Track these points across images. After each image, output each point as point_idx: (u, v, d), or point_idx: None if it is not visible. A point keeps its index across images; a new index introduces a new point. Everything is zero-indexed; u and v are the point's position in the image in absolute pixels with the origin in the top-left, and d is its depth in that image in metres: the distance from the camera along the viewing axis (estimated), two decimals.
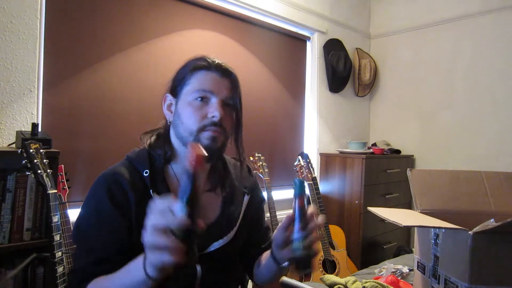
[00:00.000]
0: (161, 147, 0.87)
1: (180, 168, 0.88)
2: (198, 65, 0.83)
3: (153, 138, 0.90)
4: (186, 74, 0.84)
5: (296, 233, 0.71)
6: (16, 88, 1.53)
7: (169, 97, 0.88)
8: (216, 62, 0.84)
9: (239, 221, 0.93)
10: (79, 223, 0.80)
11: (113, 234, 0.77)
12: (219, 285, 0.90)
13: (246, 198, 0.97)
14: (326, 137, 3.02)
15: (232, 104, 0.86)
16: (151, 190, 0.81)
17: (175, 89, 0.86)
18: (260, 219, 1.06)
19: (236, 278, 1.00)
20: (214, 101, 0.82)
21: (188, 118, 0.81)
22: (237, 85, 0.87)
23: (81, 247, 0.79)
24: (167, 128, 0.90)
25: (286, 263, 0.82)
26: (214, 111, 0.80)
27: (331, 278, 1.23)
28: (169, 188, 0.84)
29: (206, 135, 0.81)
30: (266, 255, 0.92)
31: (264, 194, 2.14)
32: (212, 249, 0.86)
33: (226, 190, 0.93)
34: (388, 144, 3.18)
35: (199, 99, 0.81)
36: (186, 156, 0.52)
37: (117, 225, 0.77)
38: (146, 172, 0.81)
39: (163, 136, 0.90)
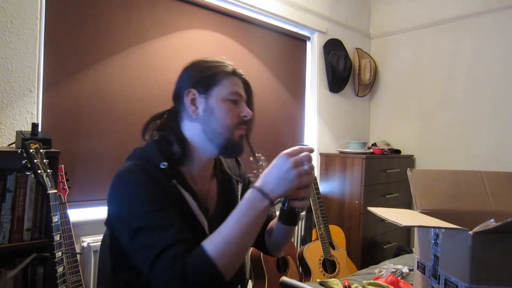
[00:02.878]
0: (173, 142, 0.91)
1: (194, 165, 0.93)
2: (228, 71, 0.93)
3: (156, 132, 0.97)
4: (217, 74, 0.92)
5: None
6: (16, 88, 1.53)
7: (194, 92, 0.91)
8: (241, 71, 0.97)
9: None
10: (142, 212, 0.77)
11: (174, 208, 0.81)
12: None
13: (240, 185, 1.08)
14: (326, 137, 3.02)
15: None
16: (175, 181, 0.86)
17: (203, 85, 0.91)
18: None
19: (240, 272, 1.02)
20: (243, 104, 0.94)
21: (225, 114, 0.90)
22: (252, 93, 1.01)
23: (155, 230, 0.76)
24: (176, 120, 0.95)
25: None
26: (246, 111, 0.93)
27: (332, 281, 1.23)
28: (185, 178, 0.89)
29: (238, 133, 0.92)
30: (272, 224, 1.03)
31: None
32: None
33: (222, 177, 1.03)
34: (388, 144, 3.18)
35: (232, 101, 0.92)
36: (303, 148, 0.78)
37: (171, 201, 0.82)
38: (163, 165, 0.85)
39: (173, 130, 0.93)
